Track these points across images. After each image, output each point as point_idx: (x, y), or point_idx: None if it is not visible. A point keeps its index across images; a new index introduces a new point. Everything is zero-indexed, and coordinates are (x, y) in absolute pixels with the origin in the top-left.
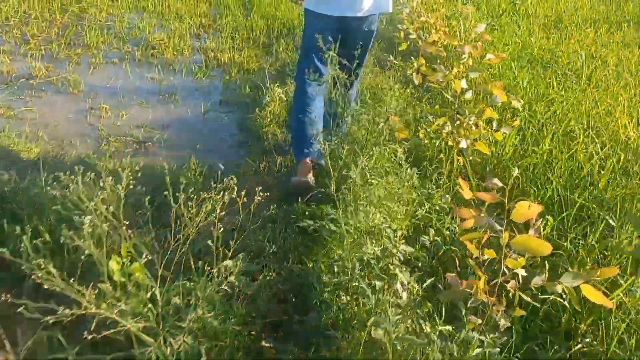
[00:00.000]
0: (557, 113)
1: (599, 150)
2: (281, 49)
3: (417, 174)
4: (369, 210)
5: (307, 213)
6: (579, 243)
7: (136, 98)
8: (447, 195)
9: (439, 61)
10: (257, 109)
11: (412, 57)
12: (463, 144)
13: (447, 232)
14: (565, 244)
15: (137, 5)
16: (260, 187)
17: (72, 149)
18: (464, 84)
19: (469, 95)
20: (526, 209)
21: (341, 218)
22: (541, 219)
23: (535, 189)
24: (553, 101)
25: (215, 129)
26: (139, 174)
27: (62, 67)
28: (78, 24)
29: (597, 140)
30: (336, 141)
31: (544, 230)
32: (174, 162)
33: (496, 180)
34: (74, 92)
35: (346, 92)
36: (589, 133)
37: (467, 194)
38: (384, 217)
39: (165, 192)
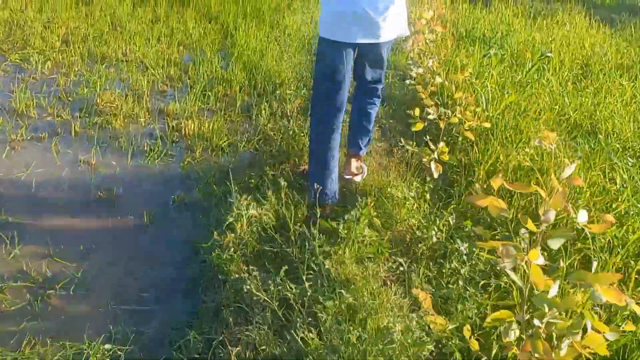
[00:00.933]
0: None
1: None
2: (263, 114)
3: None
4: None
5: None
6: None
7: (54, 201)
8: None
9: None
10: (216, 230)
11: (426, 136)
12: None
13: None
14: None
15: (95, 52)
16: None
17: None
18: (540, 258)
19: (554, 291)
20: None
21: None
22: None
23: None
24: (623, 215)
25: (156, 258)
26: None
27: None
28: (12, 80)
29: None
30: None
31: None
32: (81, 329)
33: None
34: None
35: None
36: None
37: None
38: None
39: None
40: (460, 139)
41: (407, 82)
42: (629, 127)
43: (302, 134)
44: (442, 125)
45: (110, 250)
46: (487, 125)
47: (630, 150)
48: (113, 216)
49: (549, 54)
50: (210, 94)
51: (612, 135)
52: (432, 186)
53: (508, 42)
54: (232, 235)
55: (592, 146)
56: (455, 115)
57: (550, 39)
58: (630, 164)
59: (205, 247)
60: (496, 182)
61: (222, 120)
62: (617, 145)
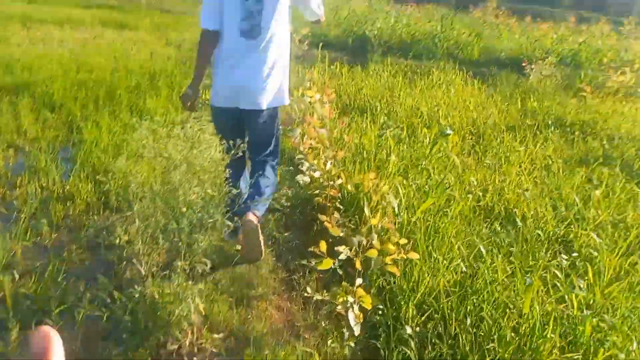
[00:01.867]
0: None
1: None
2: (117, 243)
3: None
4: None
5: None
6: None
7: None
8: None
9: None
10: None
11: (334, 263)
12: None
13: None
14: None
15: None
16: None
17: None
18: None
19: None
20: None
21: None
22: None
23: None
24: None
25: None
26: None
27: None
28: None
29: None
30: None
31: None
32: None
33: None
34: None
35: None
36: None
37: None
38: None
39: None
40: (379, 272)
41: (300, 180)
42: (544, 207)
43: (167, 299)
44: (358, 265)
45: None
46: (416, 256)
47: (554, 239)
48: None
49: (449, 132)
50: (43, 220)
51: (529, 218)
52: (353, 344)
53: (395, 111)
54: None
55: (514, 236)
56: (372, 247)
57: (435, 104)
58: (564, 261)
59: None
60: None
61: (58, 264)
62: (540, 233)
